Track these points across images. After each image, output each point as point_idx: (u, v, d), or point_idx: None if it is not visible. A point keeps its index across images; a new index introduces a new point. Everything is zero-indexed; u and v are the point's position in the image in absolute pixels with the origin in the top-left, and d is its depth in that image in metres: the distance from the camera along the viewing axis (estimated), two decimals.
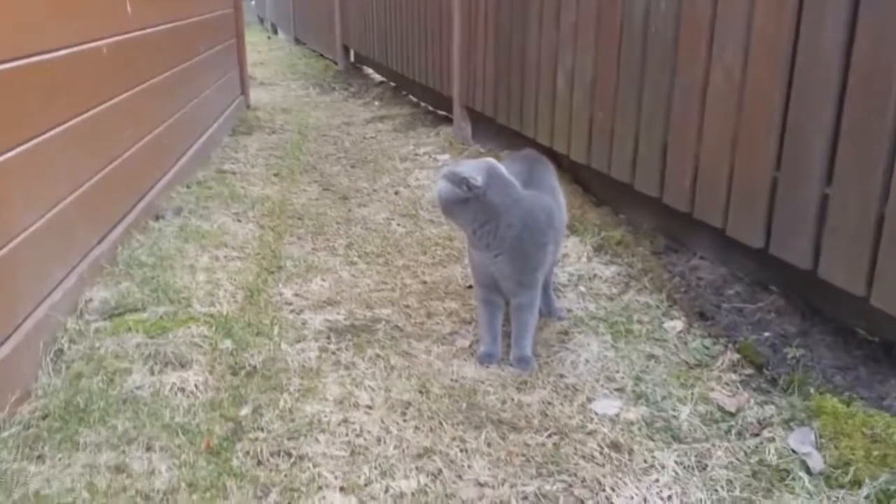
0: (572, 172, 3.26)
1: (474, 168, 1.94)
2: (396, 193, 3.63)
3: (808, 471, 1.60)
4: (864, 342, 1.92)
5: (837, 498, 1.51)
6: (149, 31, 3.26)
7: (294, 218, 3.23)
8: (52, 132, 2.22)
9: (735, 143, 2.15)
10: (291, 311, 2.35)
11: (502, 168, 1.98)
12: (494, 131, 4.11)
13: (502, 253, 1.97)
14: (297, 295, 2.45)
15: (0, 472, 1.61)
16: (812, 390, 1.81)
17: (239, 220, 3.18)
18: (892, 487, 1.50)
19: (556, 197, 2.15)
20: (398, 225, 3.16)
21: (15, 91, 2.01)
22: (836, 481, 1.55)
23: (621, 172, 2.71)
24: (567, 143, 3.11)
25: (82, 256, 2.42)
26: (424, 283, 2.56)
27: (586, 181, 3.21)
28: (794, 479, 1.57)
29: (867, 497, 1.50)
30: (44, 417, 1.81)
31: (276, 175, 3.97)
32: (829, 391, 1.79)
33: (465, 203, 1.93)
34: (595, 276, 2.55)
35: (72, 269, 2.33)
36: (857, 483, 1.53)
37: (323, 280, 2.57)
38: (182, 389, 1.93)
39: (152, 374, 1.99)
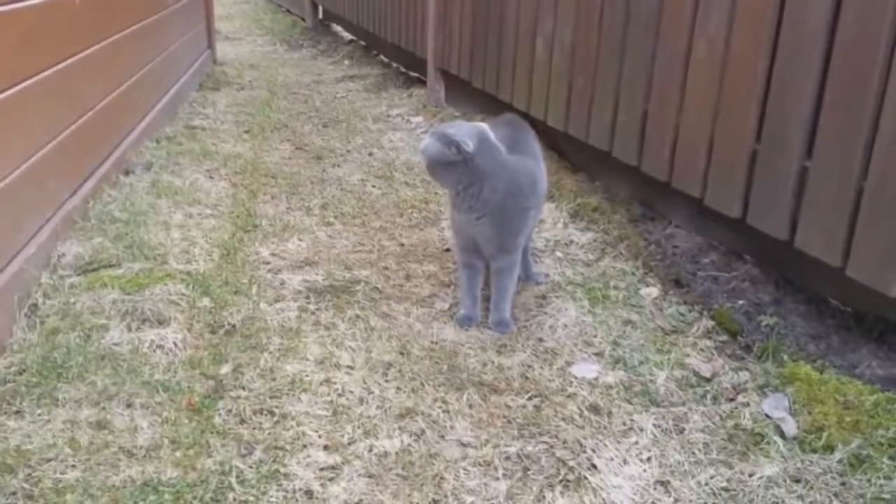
0: (548, 138, 3.25)
1: (466, 132, 1.93)
2: (370, 155, 3.60)
3: (783, 435, 1.65)
4: (836, 311, 1.97)
5: (811, 462, 1.56)
6: None
7: (267, 176, 3.20)
8: (27, 83, 2.16)
9: (716, 114, 2.17)
10: (269, 270, 2.33)
11: (490, 133, 1.98)
12: (469, 95, 4.09)
13: (485, 216, 1.98)
14: (274, 254, 2.44)
15: None
16: (786, 357, 1.86)
17: (211, 178, 3.13)
18: (864, 452, 1.55)
19: (539, 163, 2.16)
20: (373, 186, 3.14)
21: None
22: (810, 446, 1.61)
23: (600, 140, 2.73)
24: (544, 109, 3.11)
25: (55, 210, 2.37)
26: (402, 245, 2.56)
27: (562, 147, 3.22)
28: (768, 443, 1.62)
29: (840, 461, 1.55)
30: (21, 373, 1.78)
31: (247, 132, 3.90)
32: (803, 359, 1.85)
33: (452, 165, 1.93)
34: (571, 241, 2.58)
35: (45, 222, 2.29)
36: (829, 448, 1.59)
37: (300, 240, 2.55)
38: (161, 346, 1.92)
39: (130, 330, 1.97)
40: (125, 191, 2.83)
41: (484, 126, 2.00)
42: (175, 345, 1.93)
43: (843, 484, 1.51)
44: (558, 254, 2.50)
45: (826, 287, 2.01)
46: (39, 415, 1.65)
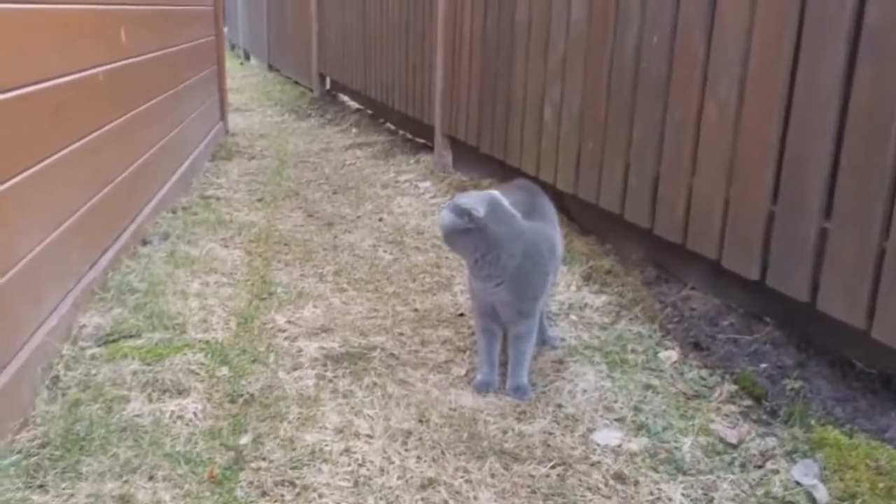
0: (557, 200, 3.28)
1: (477, 200, 1.97)
2: (380, 220, 3.64)
3: (815, 503, 1.63)
4: (861, 374, 1.96)
5: None
6: (140, 58, 3.26)
7: (280, 244, 3.23)
8: (53, 157, 2.21)
9: (730, 176, 2.20)
10: (286, 338, 2.34)
11: (504, 200, 2.00)
12: (477, 160, 4.15)
13: (503, 282, 1.99)
14: (290, 322, 2.45)
15: (3, 502, 1.58)
16: (813, 422, 1.85)
17: (226, 246, 3.16)
18: None
19: (555, 227, 2.19)
20: (385, 252, 3.17)
21: (18, 118, 2.00)
22: None
23: (610, 203, 2.76)
24: (553, 173, 3.15)
25: (76, 282, 2.39)
26: (416, 310, 2.57)
27: (571, 210, 3.25)
28: None
29: None
30: (44, 446, 1.78)
31: (259, 200, 3.96)
32: (831, 423, 1.83)
33: (468, 233, 1.95)
34: (586, 304, 2.58)
35: (66, 294, 2.30)
36: None
37: (315, 307, 2.56)
38: (181, 417, 1.92)
39: (151, 401, 1.97)
40: (143, 261, 2.86)
41: (496, 193, 2.02)
42: (195, 415, 1.93)
43: None
44: (573, 317, 2.50)
45: (850, 349, 2.01)
46: (63, 489, 1.63)
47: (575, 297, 2.64)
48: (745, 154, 2.16)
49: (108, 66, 2.78)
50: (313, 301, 2.61)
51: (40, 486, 1.64)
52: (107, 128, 2.73)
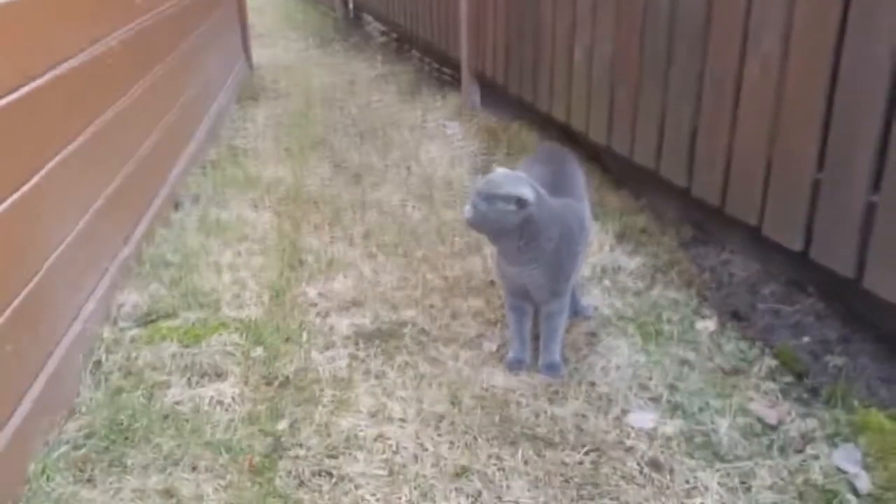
0: (590, 150, 3.21)
1: (514, 182, 1.89)
2: (408, 170, 3.59)
3: (856, 492, 1.62)
4: None
5: None
6: (155, 13, 3.17)
7: (309, 203, 3.21)
8: (76, 142, 2.19)
9: (773, 138, 2.11)
10: (317, 313, 2.34)
11: (529, 179, 1.94)
12: (505, 100, 4.05)
13: (538, 266, 1.96)
14: (321, 295, 2.45)
15: (57, 497, 1.64)
16: (856, 403, 1.82)
17: (256, 208, 3.15)
18: None
19: (583, 201, 2.13)
20: (413, 208, 3.14)
21: (37, 110, 1.97)
22: (886, 503, 1.58)
23: (645, 158, 2.68)
24: (585, 122, 3.06)
25: (112, 260, 2.41)
26: (446, 278, 2.55)
27: (605, 161, 3.17)
28: (841, 501, 1.60)
29: None
30: (90, 436, 1.83)
31: (286, 150, 3.92)
32: (874, 405, 1.81)
33: (513, 222, 1.88)
34: (619, 267, 2.55)
35: (103, 275, 2.32)
36: None
37: (345, 277, 2.56)
38: (220, 402, 1.96)
39: (190, 386, 2.01)
40: (176, 230, 2.87)
41: (520, 173, 1.96)
42: (233, 399, 1.97)
43: None
44: (606, 282, 2.47)
45: None
46: (110, 483, 1.69)
47: (608, 258, 2.60)
48: (789, 115, 2.06)
49: (123, 31, 2.70)
50: (343, 271, 2.60)
51: (89, 481, 1.70)
52: (127, 99, 2.69)
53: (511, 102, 3.97)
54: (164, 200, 3.01)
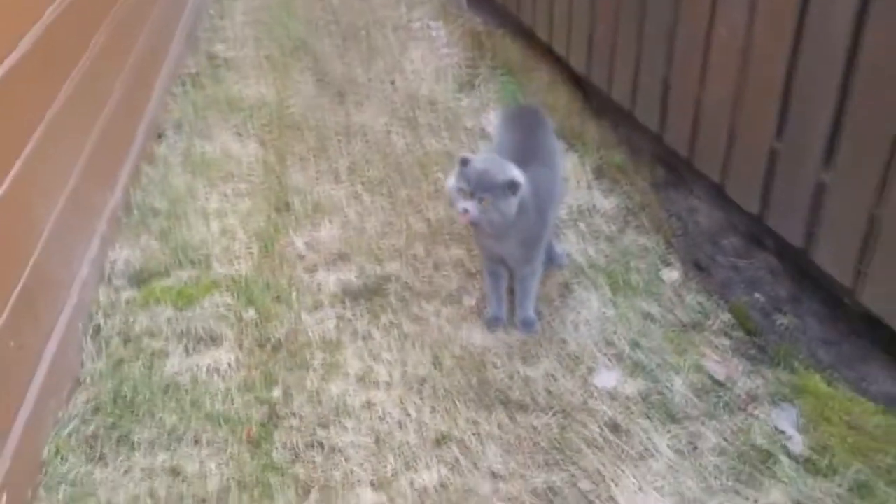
0: (572, 74, 3.18)
1: (502, 167, 1.95)
2: (392, 85, 3.58)
3: (790, 455, 1.80)
4: (850, 314, 2.03)
5: (815, 485, 1.73)
6: None
7: (294, 129, 3.24)
8: (51, 110, 2.17)
9: (736, 102, 2.15)
10: (305, 268, 2.46)
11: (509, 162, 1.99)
12: (492, 4, 3.95)
13: (515, 237, 2.05)
14: (308, 245, 2.55)
15: (73, 479, 1.82)
16: (797, 364, 1.98)
17: (240, 135, 3.19)
18: (865, 478, 1.71)
19: (554, 168, 2.19)
20: (397, 135, 3.17)
21: (23, 79, 1.97)
22: (815, 466, 1.77)
23: (622, 97, 2.70)
24: (566, 48, 3.04)
25: (101, 215, 2.49)
26: (429, 221, 2.64)
27: (586, 89, 3.16)
28: (776, 462, 1.79)
29: (841, 485, 1.71)
30: (96, 410, 1.99)
31: (266, 59, 3.88)
32: (813, 367, 1.96)
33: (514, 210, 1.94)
34: (595, 208, 2.64)
35: (93, 234, 2.41)
36: (833, 470, 1.74)
37: (330, 223, 2.65)
38: (217, 370, 2.11)
39: (187, 354, 2.15)
40: (161, 169, 2.93)
41: (499, 158, 2.01)
42: (229, 366, 2.12)
43: None
44: (581, 226, 2.57)
45: (841, 288, 2.07)
46: (120, 462, 1.86)
47: (585, 197, 2.69)
48: (752, 82, 2.09)
49: None
50: (329, 215, 2.69)
51: (100, 459, 1.87)
52: (93, 41, 2.62)
53: (497, 7, 3.88)
54: (145, 132, 3.03)
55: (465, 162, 1.94)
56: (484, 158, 2.01)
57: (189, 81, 3.62)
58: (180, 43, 3.77)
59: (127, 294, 2.35)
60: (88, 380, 2.08)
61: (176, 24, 3.84)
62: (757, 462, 1.80)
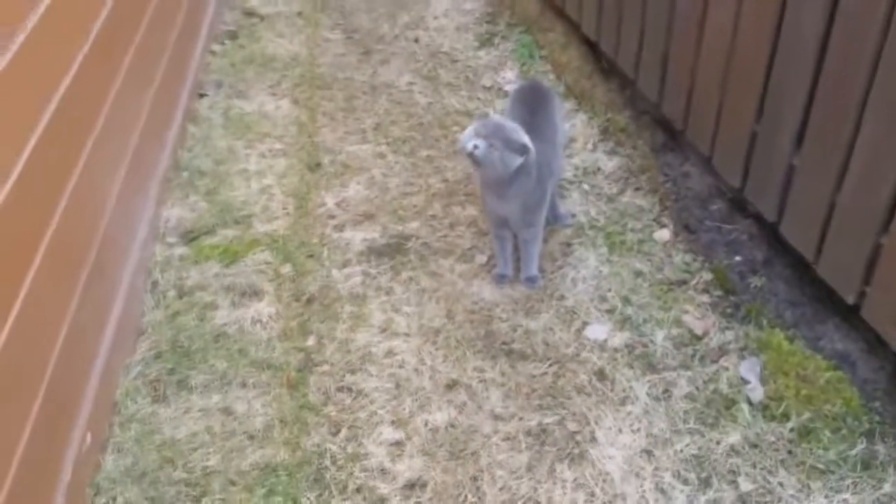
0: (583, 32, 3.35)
1: (517, 131, 2.19)
2: (416, 41, 3.79)
3: (750, 402, 2.09)
4: (815, 279, 2.27)
5: (768, 429, 2.01)
6: None
7: (324, 88, 3.48)
8: (114, 87, 2.43)
9: (725, 83, 2.34)
10: (335, 227, 2.75)
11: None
12: None
13: (519, 200, 2.31)
14: (337, 205, 2.84)
15: (142, 417, 2.17)
16: (765, 322, 2.24)
17: (274, 95, 3.44)
18: (811, 425, 1.99)
19: (558, 141, 2.43)
20: (420, 93, 3.40)
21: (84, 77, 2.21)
22: (770, 412, 2.05)
23: (626, 66, 2.89)
24: (579, 12, 3.21)
25: (153, 177, 2.78)
26: (446, 181, 2.91)
27: (599, 49, 3.32)
28: (737, 409, 2.07)
29: (791, 430, 2.00)
30: (158, 356, 2.32)
31: (299, 15, 4.09)
32: (779, 325, 2.22)
33: (514, 168, 2.20)
34: (598, 169, 2.87)
35: (148, 195, 2.71)
36: (785, 416, 2.02)
37: (357, 184, 2.92)
38: (259, 321, 2.42)
39: (234, 306, 2.47)
40: (204, 128, 3.21)
41: (516, 125, 2.25)
42: (270, 317, 2.43)
43: (789, 452, 1.97)
44: (585, 186, 2.82)
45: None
46: (181, 402, 2.20)
47: (590, 158, 2.92)
48: (738, 66, 2.28)
49: None
50: (356, 176, 2.96)
51: (163, 400, 2.21)
52: (149, 6, 2.85)
53: None
54: (190, 91, 3.30)
55: (486, 116, 2.20)
56: (503, 120, 2.27)
57: (226, 38, 3.86)
58: (217, 3, 3.99)
59: (179, 251, 2.67)
60: (149, 330, 2.41)
61: None
62: (721, 408, 2.09)
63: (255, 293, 2.51)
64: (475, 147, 2.16)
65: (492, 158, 2.18)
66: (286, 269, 2.60)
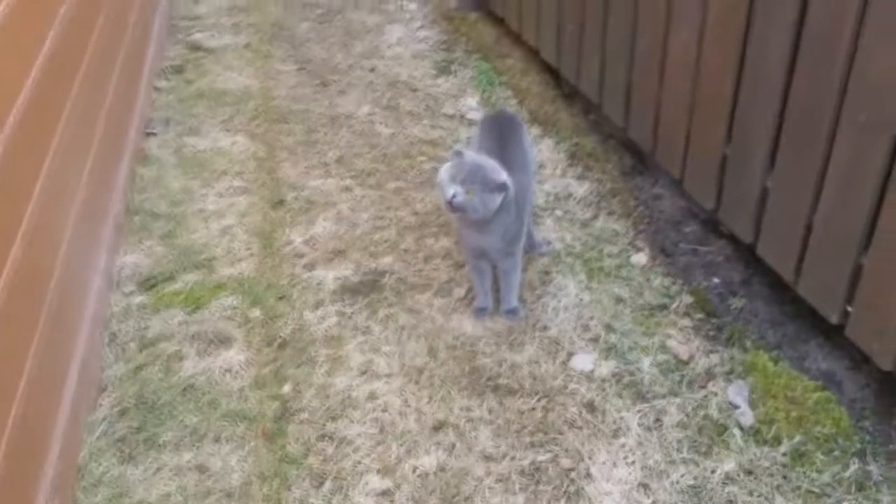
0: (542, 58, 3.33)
1: (494, 168, 2.13)
2: (372, 71, 3.72)
3: (741, 427, 2.05)
4: (795, 297, 2.26)
5: (761, 454, 1.98)
6: None
7: (280, 122, 3.38)
8: (61, 125, 2.29)
9: (691, 109, 2.33)
10: (304, 266, 2.64)
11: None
12: None
13: (497, 233, 2.25)
14: (305, 243, 2.73)
15: (109, 479, 2.03)
16: (748, 343, 2.21)
17: (228, 131, 3.33)
18: (803, 447, 1.96)
19: (531, 172, 2.38)
20: (381, 123, 3.33)
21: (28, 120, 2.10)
22: (762, 437, 2.01)
23: (590, 91, 2.87)
24: (536, 37, 3.19)
25: (105, 226, 2.64)
26: (416, 213, 2.83)
27: (559, 74, 3.31)
28: (729, 435, 2.03)
29: (784, 454, 1.97)
30: (122, 413, 2.18)
31: (247, 47, 3.99)
32: (762, 347, 2.20)
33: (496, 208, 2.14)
34: (570, 195, 2.83)
35: (100, 244, 2.57)
36: (777, 440, 1.99)
37: (325, 220, 2.82)
38: (229, 370, 2.30)
39: (201, 356, 2.34)
40: (154, 168, 3.07)
41: (490, 160, 2.19)
42: (241, 366, 2.31)
43: (784, 477, 1.93)
44: (558, 212, 2.77)
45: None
46: (150, 462, 2.06)
47: (560, 184, 2.88)
48: (704, 93, 2.27)
49: None
50: (323, 212, 2.86)
51: (131, 460, 2.07)
52: (92, 39, 2.70)
53: None
54: (137, 130, 3.15)
55: (459, 154, 2.14)
56: (478, 157, 2.20)
57: (171, 73, 3.74)
58: (161, 33, 3.87)
59: (138, 300, 2.53)
60: (111, 385, 2.27)
61: (154, 13, 3.92)
62: (713, 434, 2.05)
63: (224, 340, 2.39)
64: (454, 196, 2.09)
65: (472, 204, 2.11)
66: (255, 313, 2.48)
